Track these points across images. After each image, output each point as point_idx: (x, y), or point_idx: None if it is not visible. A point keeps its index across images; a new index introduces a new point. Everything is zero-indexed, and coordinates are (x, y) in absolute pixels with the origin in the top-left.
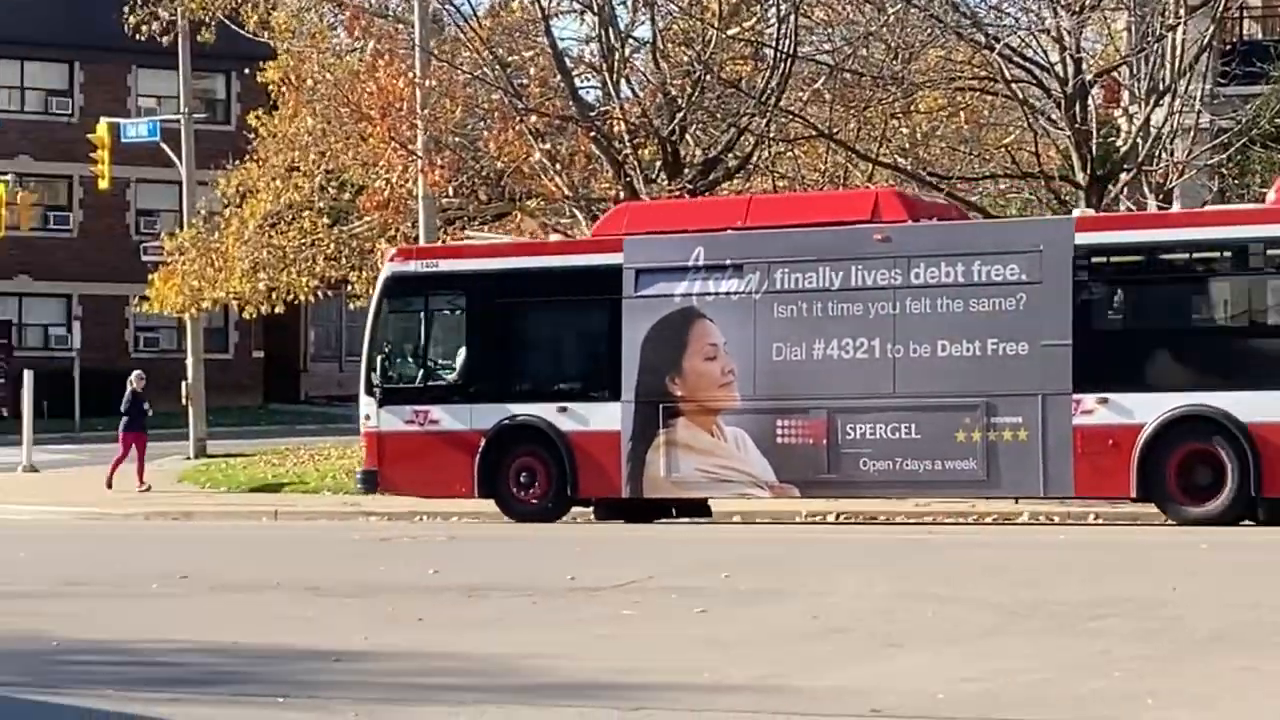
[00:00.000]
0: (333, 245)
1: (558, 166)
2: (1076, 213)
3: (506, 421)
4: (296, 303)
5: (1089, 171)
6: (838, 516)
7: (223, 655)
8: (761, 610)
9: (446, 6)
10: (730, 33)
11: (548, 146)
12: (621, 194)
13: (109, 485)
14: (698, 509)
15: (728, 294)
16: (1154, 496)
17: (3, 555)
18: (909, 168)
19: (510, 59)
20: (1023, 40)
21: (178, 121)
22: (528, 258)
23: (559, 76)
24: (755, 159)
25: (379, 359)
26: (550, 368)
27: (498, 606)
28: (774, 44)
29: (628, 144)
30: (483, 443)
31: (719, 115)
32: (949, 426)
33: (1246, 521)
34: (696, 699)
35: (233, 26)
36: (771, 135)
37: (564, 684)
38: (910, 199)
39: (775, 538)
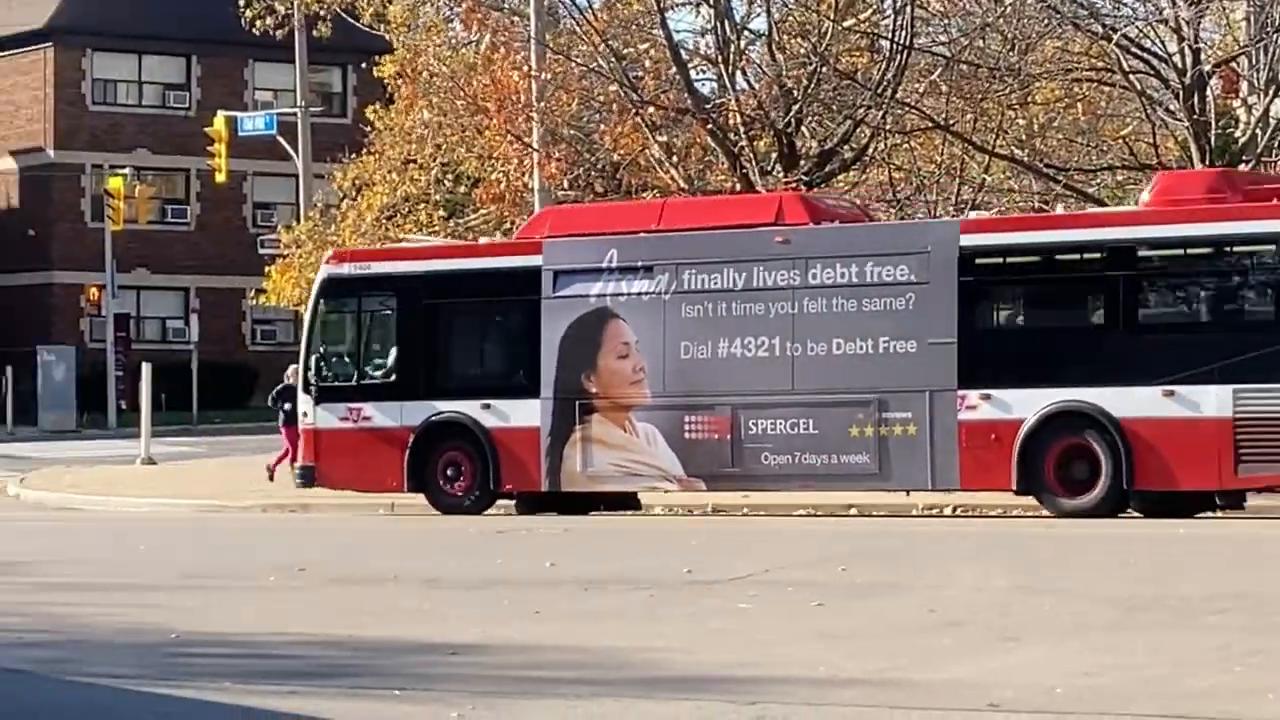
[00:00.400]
0: (448, 238)
1: (673, 159)
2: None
3: (434, 418)
4: None
5: (1207, 163)
6: (954, 509)
7: (340, 648)
8: (878, 603)
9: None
10: (846, 24)
11: (664, 139)
12: (737, 186)
13: (270, 477)
14: (625, 503)
15: (639, 294)
16: (1033, 489)
17: (122, 548)
18: (1025, 159)
19: (626, 51)
20: (1140, 31)
21: (294, 115)
22: (455, 260)
23: (674, 69)
24: (871, 151)
25: (315, 358)
26: (475, 366)
27: (614, 600)
28: (890, 35)
29: (743, 136)
30: (412, 439)
31: (835, 107)
32: (843, 422)
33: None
34: (812, 692)
35: (348, 19)
36: (887, 127)
37: (680, 677)
38: (813, 202)
39: (892, 531)
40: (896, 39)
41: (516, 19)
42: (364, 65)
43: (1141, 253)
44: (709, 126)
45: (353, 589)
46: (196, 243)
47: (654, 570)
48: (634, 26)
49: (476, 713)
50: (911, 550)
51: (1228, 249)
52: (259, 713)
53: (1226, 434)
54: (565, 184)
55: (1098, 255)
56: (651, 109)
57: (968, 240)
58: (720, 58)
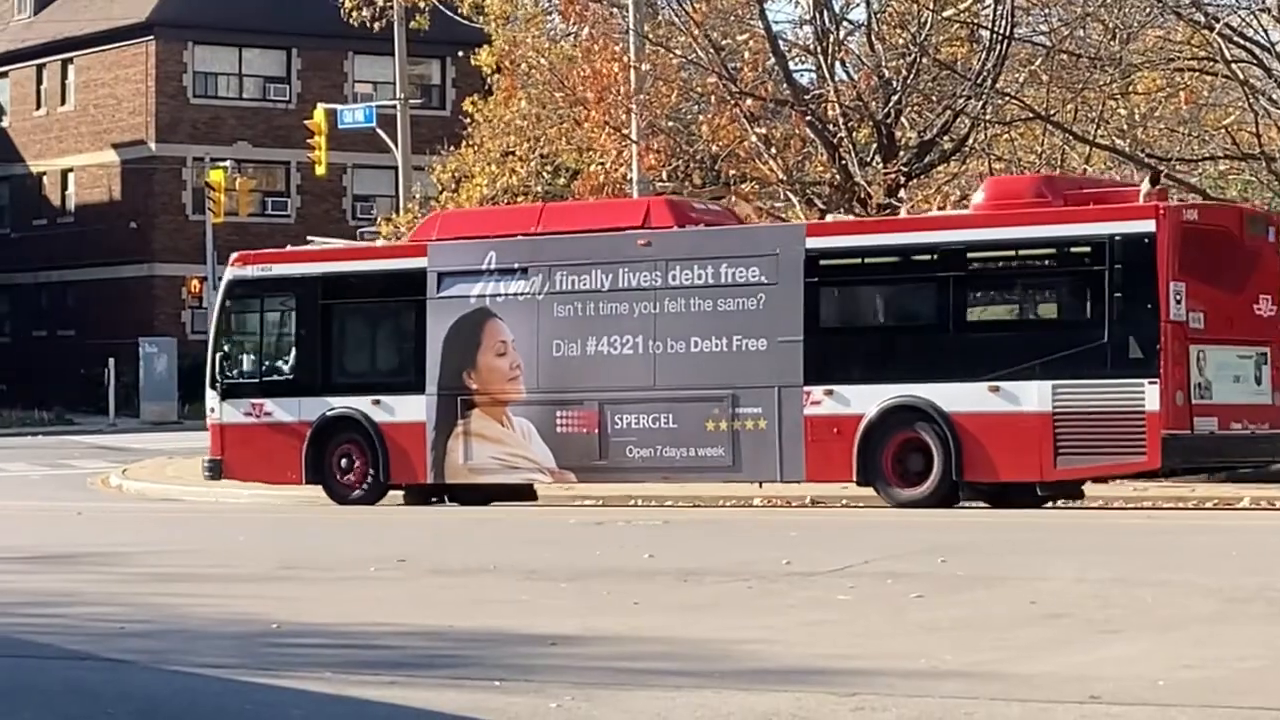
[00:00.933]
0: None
1: (772, 150)
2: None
3: (329, 413)
4: None
5: None
6: (1055, 501)
7: (439, 639)
8: (978, 595)
9: None
10: (946, 14)
11: (762, 130)
12: (836, 177)
13: None
14: (522, 495)
15: (515, 295)
16: (871, 480)
17: (223, 539)
18: (1127, 150)
19: (724, 42)
20: (1243, 20)
21: (394, 107)
22: (349, 262)
23: (773, 60)
24: (970, 142)
25: (219, 356)
26: (367, 364)
27: (713, 591)
28: (990, 25)
29: (842, 127)
30: (309, 433)
31: (934, 98)
32: (700, 416)
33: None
34: (912, 685)
35: (447, 11)
36: (987, 118)
37: (779, 669)
38: (679, 206)
39: (994, 523)
40: (996, 28)
41: (615, 10)
42: (462, 55)
43: (968, 255)
44: (808, 118)
45: (452, 580)
46: (296, 235)
47: (752, 562)
48: (732, 17)
49: (576, 704)
50: (1012, 542)
51: (1046, 250)
52: (358, 702)
53: (1047, 428)
54: (664, 175)
55: (929, 257)
56: (750, 100)
57: (812, 243)
58: (819, 48)
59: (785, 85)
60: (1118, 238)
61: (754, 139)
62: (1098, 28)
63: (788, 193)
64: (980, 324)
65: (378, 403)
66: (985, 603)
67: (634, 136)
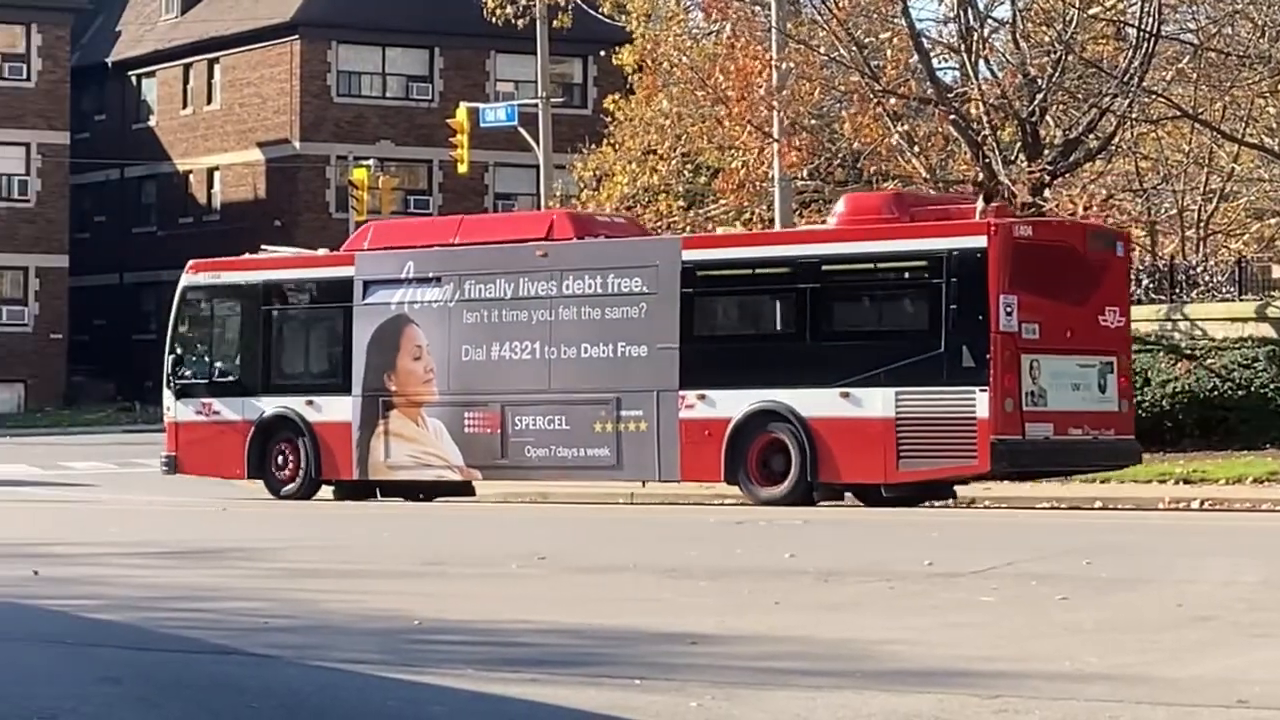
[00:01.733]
0: (689, 228)
1: (915, 148)
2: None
3: (267, 413)
4: None
5: None
6: (1202, 504)
7: (579, 636)
8: (1123, 598)
9: None
10: (1091, 11)
11: (905, 128)
12: (980, 175)
13: None
14: (459, 490)
15: (430, 302)
16: (737, 480)
17: (366, 535)
18: (1277, 148)
19: (867, 40)
20: None
21: (535, 106)
22: (287, 270)
23: (916, 58)
24: (1117, 140)
25: (173, 359)
26: (301, 366)
27: (854, 591)
28: (1136, 23)
29: (986, 125)
30: (251, 431)
31: (1080, 96)
32: (589, 418)
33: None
34: (1057, 688)
35: (588, 10)
36: (1134, 116)
37: (921, 670)
38: (582, 219)
39: (1140, 525)
40: (1143, 26)
41: (758, 8)
42: (604, 54)
43: (822, 268)
44: (951, 116)
45: (592, 577)
46: None
47: (894, 562)
48: (875, 15)
49: (716, 703)
50: (1156, 544)
51: (891, 265)
52: (499, 699)
53: (890, 433)
54: (805, 173)
55: (788, 270)
56: (893, 98)
57: (687, 255)
58: (963, 46)
59: (928, 83)
60: (953, 253)
61: (896, 137)
62: (1247, 25)
63: (930, 191)
64: (833, 333)
65: (310, 403)
66: (1130, 605)
67: (776, 134)
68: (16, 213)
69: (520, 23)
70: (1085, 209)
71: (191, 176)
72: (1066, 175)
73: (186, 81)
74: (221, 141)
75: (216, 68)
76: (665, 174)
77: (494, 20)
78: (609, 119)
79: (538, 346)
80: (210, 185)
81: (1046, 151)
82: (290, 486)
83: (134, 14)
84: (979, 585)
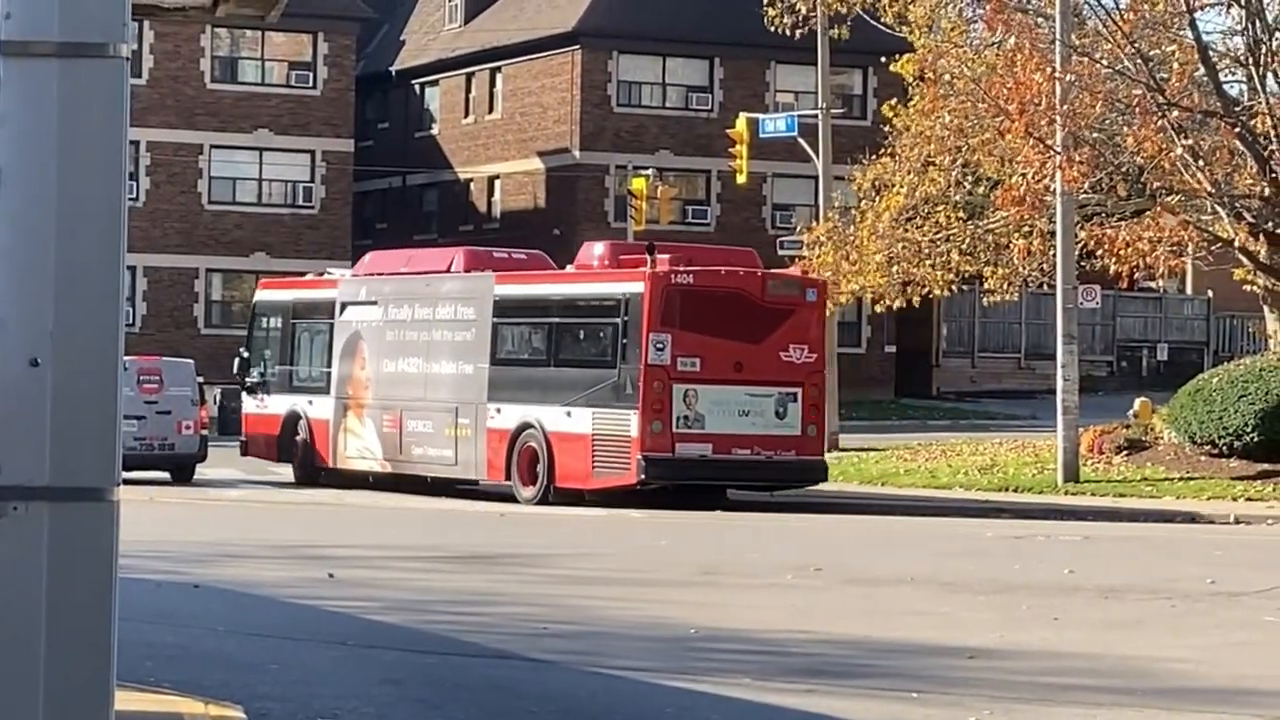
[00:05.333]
0: (967, 240)
1: (1200, 162)
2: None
3: (287, 410)
4: (930, 297)
5: None
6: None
7: (856, 648)
8: None
9: (1088, 0)
10: None
11: (1189, 142)
12: (1266, 190)
13: None
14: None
15: (370, 322)
16: (513, 482)
17: (642, 543)
18: None
19: (1152, 53)
20: None
21: (815, 117)
22: (306, 290)
23: (1202, 70)
24: None
25: (239, 361)
26: (308, 371)
27: (1135, 609)
28: None
29: (1274, 139)
30: (280, 423)
31: None
32: (442, 424)
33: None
34: None
35: (869, 20)
36: None
37: (1202, 689)
38: (479, 254)
39: None
40: None
41: (1041, 20)
42: (884, 62)
43: (557, 304)
44: (1237, 129)
45: (868, 589)
46: (717, 243)
47: (1175, 580)
48: (1160, 27)
49: (994, 717)
50: None
51: (594, 304)
52: (775, 710)
53: (590, 446)
54: (1086, 187)
55: (542, 305)
56: (1177, 111)
57: (498, 290)
58: (1250, 59)
59: (1214, 96)
60: (626, 296)
61: (1180, 150)
62: None
63: (1215, 205)
64: (561, 359)
65: (310, 402)
66: None
67: (1057, 148)
68: (301, 219)
69: (799, 33)
70: None
71: (472, 185)
72: None
73: (468, 91)
74: (502, 150)
75: (498, 77)
76: (944, 185)
77: (775, 30)
78: (887, 126)
79: (420, 361)
80: (491, 194)
81: None
82: (299, 471)
83: (418, 23)
84: (1263, 604)
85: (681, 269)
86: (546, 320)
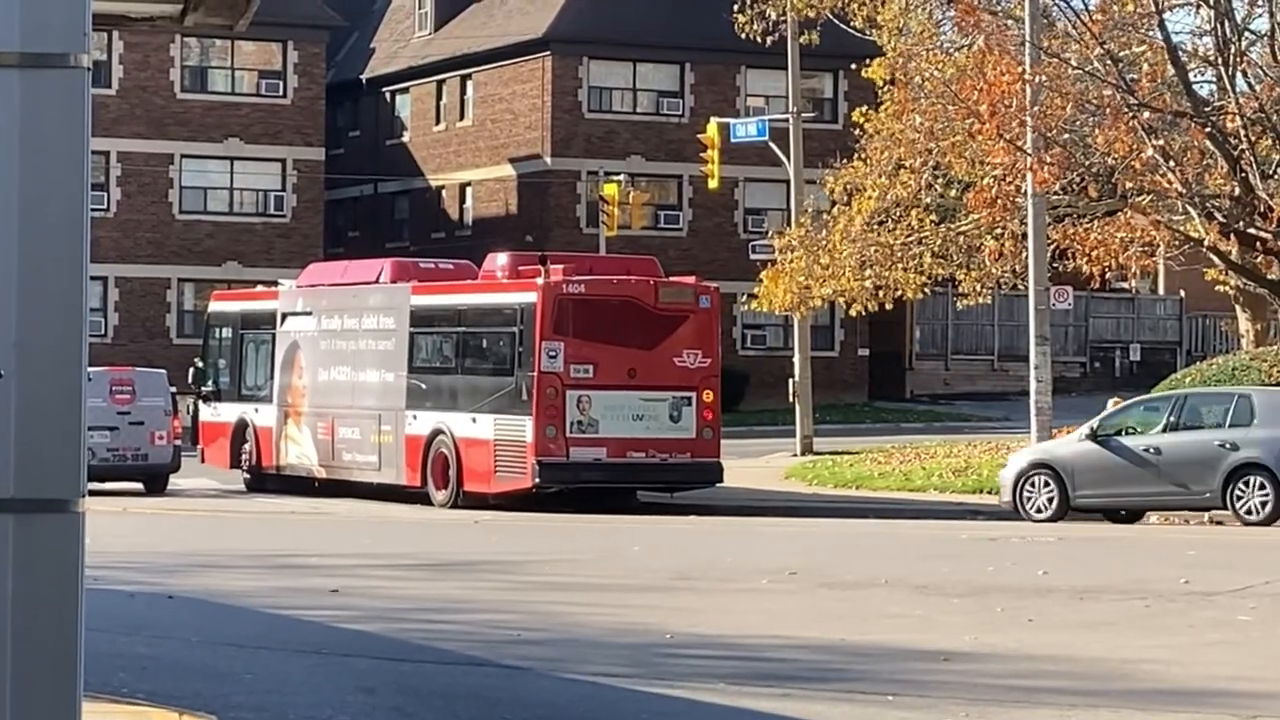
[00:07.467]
0: (939, 243)
1: (1170, 163)
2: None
3: (237, 418)
4: (903, 300)
5: None
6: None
7: (830, 652)
8: None
9: (1058, 2)
10: None
11: (1160, 142)
12: (1236, 190)
13: None
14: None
15: (306, 332)
16: (425, 485)
17: (616, 549)
18: None
19: (1121, 54)
20: None
21: (786, 121)
22: (253, 302)
23: (1172, 71)
24: None
25: (194, 371)
26: (253, 379)
27: (1108, 609)
28: None
29: (1244, 139)
30: (230, 430)
31: None
32: (368, 430)
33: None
34: None
35: (839, 24)
36: None
37: (1176, 690)
38: (405, 265)
39: None
40: None
41: (1010, 22)
42: (854, 69)
43: (462, 314)
44: (1207, 129)
45: (843, 593)
46: (688, 248)
47: (1149, 580)
48: (1130, 28)
49: None
50: None
51: (494, 314)
52: (752, 714)
53: (492, 452)
54: (1058, 188)
55: (449, 314)
56: (1147, 112)
57: (414, 300)
58: (1220, 59)
59: (1184, 97)
60: (520, 306)
61: (1151, 151)
62: None
63: (1186, 205)
64: (467, 367)
65: (256, 410)
66: None
67: (1027, 149)
68: (273, 228)
69: (770, 39)
70: None
71: (444, 192)
72: None
73: (439, 98)
74: (473, 157)
75: (469, 84)
76: (916, 188)
77: (744, 36)
78: (858, 131)
79: (348, 370)
80: (462, 201)
81: None
82: (246, 475)
83: (388, 31)
84: (1236, 605)
85: (573, 279)
86: (455, 330)
